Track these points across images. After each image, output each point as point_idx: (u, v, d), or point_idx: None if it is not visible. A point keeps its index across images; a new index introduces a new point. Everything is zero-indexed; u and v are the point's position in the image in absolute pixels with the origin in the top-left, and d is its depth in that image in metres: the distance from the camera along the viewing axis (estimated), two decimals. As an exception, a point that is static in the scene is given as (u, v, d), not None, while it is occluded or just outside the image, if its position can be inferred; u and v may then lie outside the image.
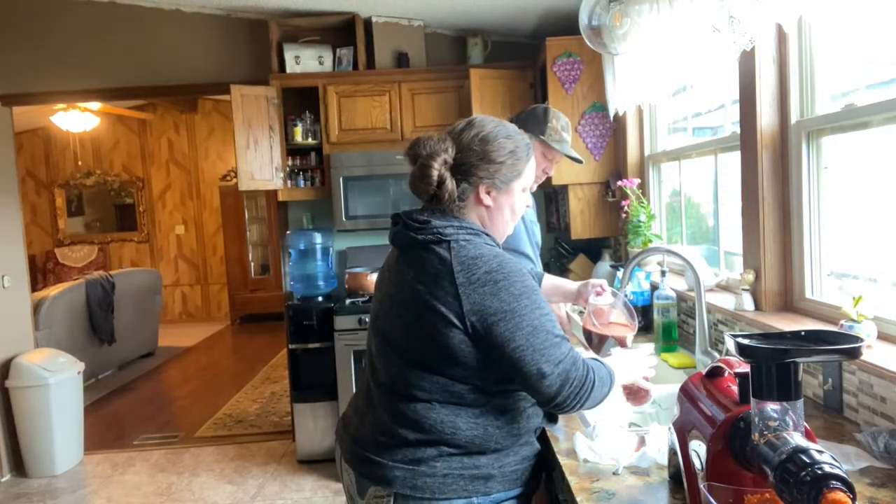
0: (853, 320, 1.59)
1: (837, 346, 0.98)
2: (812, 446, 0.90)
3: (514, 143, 1.48)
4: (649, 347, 1.72)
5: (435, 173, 1.41)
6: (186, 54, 4.25)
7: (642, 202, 2.96)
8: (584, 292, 1.95)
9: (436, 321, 1.36)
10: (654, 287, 2.52)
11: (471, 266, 1.36)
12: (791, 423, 0.96)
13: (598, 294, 1.86)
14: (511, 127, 1.52)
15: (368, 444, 1.46)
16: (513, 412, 1.44)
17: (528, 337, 1.33)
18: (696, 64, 2.22)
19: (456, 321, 1.35)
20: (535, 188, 2.53)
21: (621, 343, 1.76)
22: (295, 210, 4.44)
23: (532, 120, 2.35)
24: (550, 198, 4.25)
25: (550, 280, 2.06)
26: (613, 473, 1.35)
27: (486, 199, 1.46)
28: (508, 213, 1.50)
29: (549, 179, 2.48)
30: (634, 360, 1.58)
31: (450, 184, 1.42)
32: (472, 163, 1.43)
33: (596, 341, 1.76)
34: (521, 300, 1.35)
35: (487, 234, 1.47)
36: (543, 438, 1.61)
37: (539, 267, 2.57)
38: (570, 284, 2.06)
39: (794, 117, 1.99)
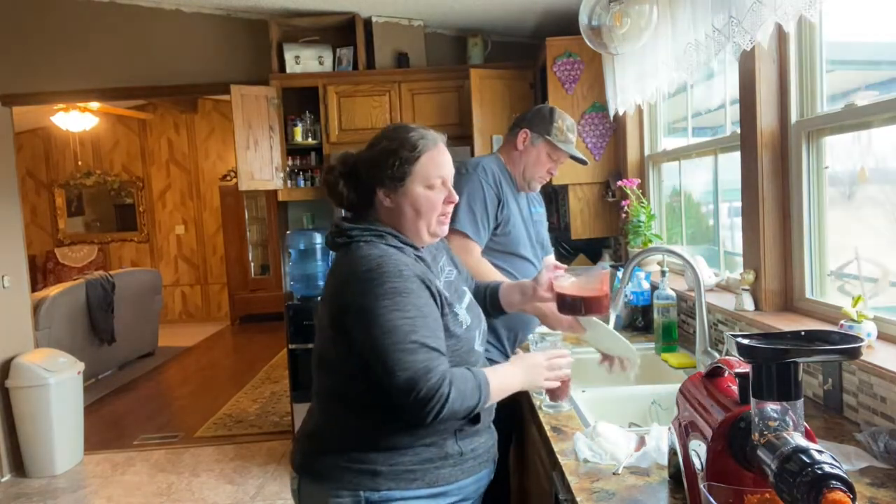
0: (853, 320, 1.59)
1: (837, 346, 0.97)
2: (812, 446, 0.90)
3: (397, 143, 1.50)
4: (564, 347, 1.67)
5: (329, 181, 1.54)
6: (186, 54, 4.25)
7: (642, 202, 2.96)
8: (542, 280, 1.78)
9: (325, 318, 1.48)
10: (654, 287, 2.52)
11: (354, 265, 1.43)
12: (791, 423, 0.96)
13: (557, 276, 1.76)
14: (401, 128, 1.54)
15: (300, 435, 1.61)
16: None
17: (380, 338, 1.35)
18: (695, 64, 2.22)
19: (338, 317, 1.43)
20: (538, 188, 2.53)
21: (599, 309, 1.72)
22: (295, 210, 4.44)
23: (538, 120, 2.35)
24: (550, 198, 4.24)
25: (507, 284, 1.89)
26: (613, 473, 1.35)
27: (386, 202, 1.52)
28: (411, 212, 1.51)
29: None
30: (536, 365, 1.57)
31: (343, 189, 1.53)
32: (362, 169, 1.53)
33: (570, 304, 1.71)
34: (383, 300, 1.36)
35: (394, 235, 1.50)
36: (504, 453, 1.64)
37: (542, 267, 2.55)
38: (525, 281, 1.87)
39: (794, 117, 1.98)
